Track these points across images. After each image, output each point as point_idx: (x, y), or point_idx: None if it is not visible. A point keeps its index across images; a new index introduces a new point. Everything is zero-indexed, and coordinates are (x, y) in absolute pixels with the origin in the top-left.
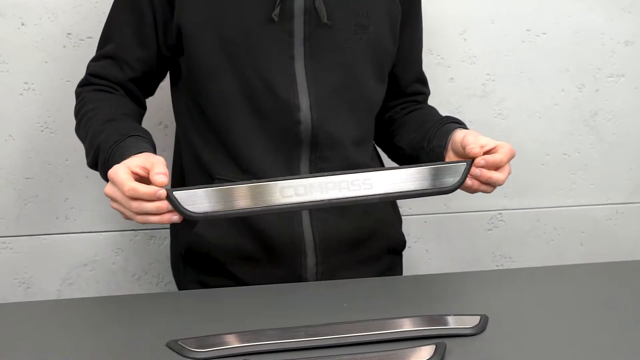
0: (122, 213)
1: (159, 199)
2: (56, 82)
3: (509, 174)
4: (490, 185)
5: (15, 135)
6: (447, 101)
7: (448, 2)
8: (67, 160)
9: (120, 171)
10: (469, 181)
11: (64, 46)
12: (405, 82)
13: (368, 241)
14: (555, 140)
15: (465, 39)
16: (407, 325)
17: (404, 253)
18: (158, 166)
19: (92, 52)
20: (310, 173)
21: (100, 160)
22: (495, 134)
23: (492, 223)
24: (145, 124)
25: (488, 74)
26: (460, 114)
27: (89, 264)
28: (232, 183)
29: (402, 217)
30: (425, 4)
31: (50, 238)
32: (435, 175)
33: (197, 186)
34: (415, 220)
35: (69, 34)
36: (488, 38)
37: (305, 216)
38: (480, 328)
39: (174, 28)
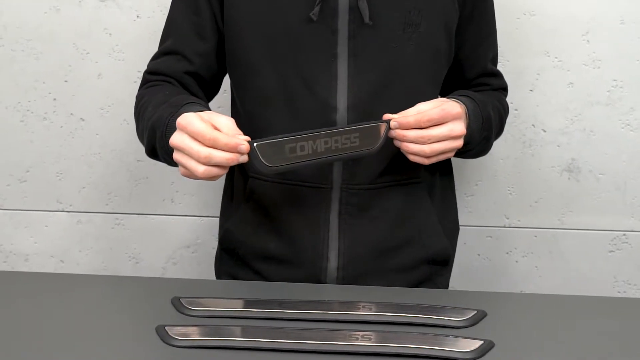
0: (183, 165)
1: (239, 152)
2: None
3: (448, 135)
4: (419, 144)
5: (129, 120)
6: (565, 108)
7: (571, 0)
8: None
9: (196, 120)
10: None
11: None
12: (469, 77)
13: (401, 249)
14: None
15: (588, 41)
16: (394, 340)
17: (510, 266)
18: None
19: None
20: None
21: (158, 136)
22: (622, 146)
23: (615, 245)
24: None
25: (615, 80)
26: (580, 121)
27: (191, 246)
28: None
29: (509, 229)
30: (546, 2)
31: (157, 218)
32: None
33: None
34: (523, 234)
35: None
36: (616, 40)
37: (334, 221)
38: (476, 354)
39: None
